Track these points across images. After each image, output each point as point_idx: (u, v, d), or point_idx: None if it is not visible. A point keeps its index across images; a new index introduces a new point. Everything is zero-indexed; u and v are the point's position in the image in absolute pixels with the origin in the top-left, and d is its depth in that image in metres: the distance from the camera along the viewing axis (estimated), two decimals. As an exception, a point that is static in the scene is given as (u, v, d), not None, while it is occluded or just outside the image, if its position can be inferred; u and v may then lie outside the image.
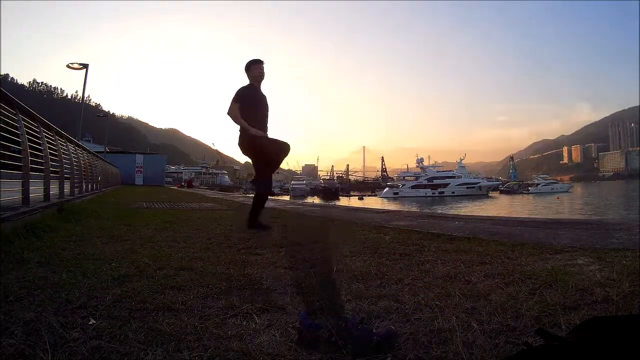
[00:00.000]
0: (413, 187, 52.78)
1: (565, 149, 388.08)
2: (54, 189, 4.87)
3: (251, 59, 3.34)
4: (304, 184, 61.74)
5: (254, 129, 3.15)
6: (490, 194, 51.54)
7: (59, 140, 5.54)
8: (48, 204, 4.17)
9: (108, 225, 3.44)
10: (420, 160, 59.67)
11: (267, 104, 3.39)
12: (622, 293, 1.29)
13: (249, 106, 3.24)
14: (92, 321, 1.12)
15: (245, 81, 3.35)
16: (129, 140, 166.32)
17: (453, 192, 49.75)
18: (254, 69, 3.29)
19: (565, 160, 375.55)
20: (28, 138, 3.91)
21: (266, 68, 3.34)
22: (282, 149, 3.26)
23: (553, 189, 56.38)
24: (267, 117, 3.37)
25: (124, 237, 2.76)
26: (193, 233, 3.09)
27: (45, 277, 1.56)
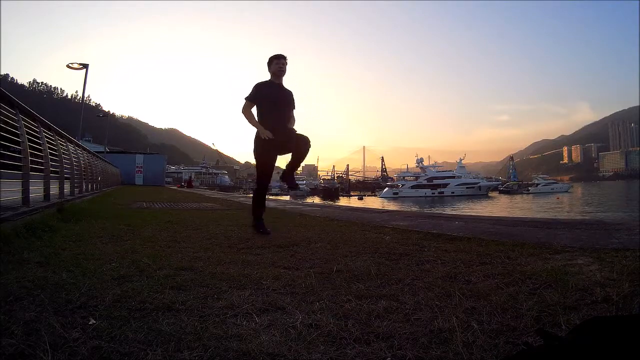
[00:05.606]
0: (413, 187, 52.82)
1: (565, 149, 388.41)
2: (54, 189, 4.87)
3: (274, 54, 3.25)
4: (303, 184, 61.87)
5: (262, 127, 3.08)
6: (489, 194, 51.56)
7: (59, 140, 5.54)
8: (48, 204, 4.17)
9: (108, 225, 3.44)
10: (420, 160, 59.68)
11: (286, 100, 3.28)
12: (622, 293, 1.28)
13: (262, 103, 3.18)
14: (92, 321, 1.12)
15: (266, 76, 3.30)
16: (129, 140, 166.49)
17: (453, 192, 49.79)
18: (274, 64, 3.22)
19: (565, 160, 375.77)
20: (28, 138, 3.91)
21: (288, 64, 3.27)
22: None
23: (553, 189, 56.41)
24: (285, 114, 3.25)
25: (124, 237, 2.76)
26: (193, 233, 3.09)
27: (45, 277, 1.56)
